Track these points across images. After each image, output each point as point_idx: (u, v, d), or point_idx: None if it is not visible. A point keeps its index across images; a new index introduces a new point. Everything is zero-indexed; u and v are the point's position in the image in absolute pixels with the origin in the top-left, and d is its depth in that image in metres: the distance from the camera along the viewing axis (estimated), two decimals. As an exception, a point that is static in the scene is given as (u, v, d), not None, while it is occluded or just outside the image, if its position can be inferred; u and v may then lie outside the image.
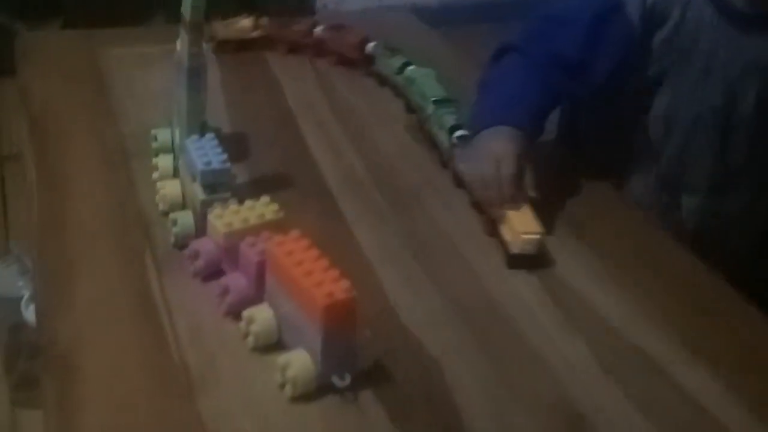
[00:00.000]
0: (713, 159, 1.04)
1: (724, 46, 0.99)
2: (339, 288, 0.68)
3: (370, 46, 1.24)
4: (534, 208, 0.90)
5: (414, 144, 1.09)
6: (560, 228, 0.93)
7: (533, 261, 0.87)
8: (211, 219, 0.80)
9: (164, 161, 0.96)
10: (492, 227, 0.90)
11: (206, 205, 0.84)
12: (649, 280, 0.88)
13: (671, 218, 1.06)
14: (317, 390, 0.70)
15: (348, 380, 0.70)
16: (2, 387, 1.55)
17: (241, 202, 0.82)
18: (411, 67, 1.16)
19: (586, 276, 0.87)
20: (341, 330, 0.69)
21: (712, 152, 1.04)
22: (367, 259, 0.87)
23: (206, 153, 0.86)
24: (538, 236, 0.87)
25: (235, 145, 0.98)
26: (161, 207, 0.92)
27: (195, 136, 0.88)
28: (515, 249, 0.86)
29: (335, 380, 0.70)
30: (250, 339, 0.75)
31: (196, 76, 0.87)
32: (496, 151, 0.91)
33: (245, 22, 1.30)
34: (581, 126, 1.15)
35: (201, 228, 0.85)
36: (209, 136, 0.89)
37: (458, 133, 1.00)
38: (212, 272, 0.82)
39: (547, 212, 0.92)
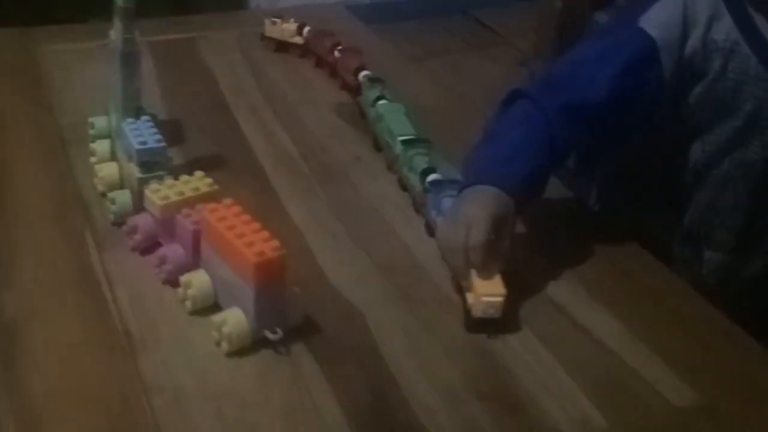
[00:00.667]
0: (742, 216, 0.99)
1: None
2: (269, 247, 0.73)
3: (361, 75, 1.18)
4: (503, 272, 0.81)
5: (343, 124, 1.15)
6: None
7: (494, 323, 0.80)
8: (148, 193, 0.85)
9: (101, 146, 1.00)
10: (456, 287, 0.84)
11: (143, 183, 0.88)
12: (563, 242, 0.94)
13: (690, 272, 1.00)
14: (252, 345, 0.76)
15: (280, 334, 0.75)
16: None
17: (176, 179, 0.87)
18: (381, 102, 1.08)
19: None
20: (272, 286, 0.74)
21: (741, 209, 0.98)
22: (297, 228, 0.93)
23: (142, 134, 0.90)
24: (501, 299, 0.79)
25: (170, 131, 1.02)
26: (100, 188, 0.96)
27: (131, 119, 0.93)
28: (477, 313, 0.79)
29: (268, 334, 0.75)
30: (188, 303, 0.80)
31: (130, 61, 0.91)
32: (469, 215, 0.81)
33: (290, 25, 1.33)
34: (599, 174, 1.09)
35: (138, 206, 0.89)
36: (144, 118, 0.93)
37: (431, 177, 0.93)
38: (150, 246, 0.87)
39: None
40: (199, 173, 0.87)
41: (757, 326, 0.83)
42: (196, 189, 0.85)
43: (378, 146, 1.07)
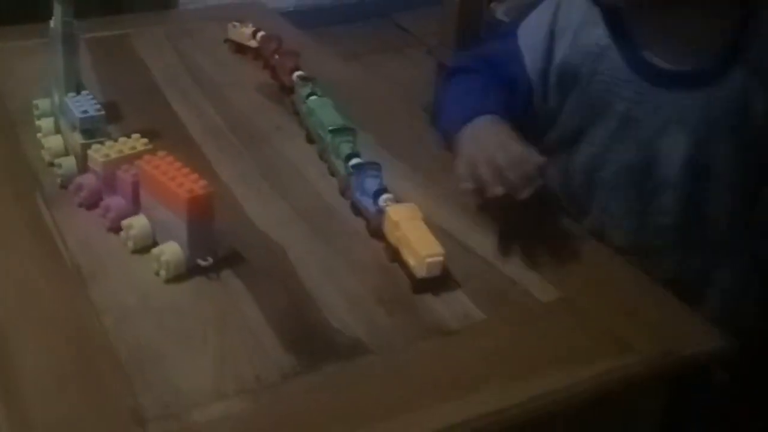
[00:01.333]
0: (637, 220, 1.02)
1: (641, 103, 0.98)
2: (198, 186, 0.87)
3: (295, 75, 1.25)
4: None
5: (265, 100, 1.28)
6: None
7: (437, 282, 0.87)
8: (91, 153, 0.97)
9: (46, 123, 1.12)
10: (394, 253, 0.91)
11: (86, 148, 1.00)
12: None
13: None
14: (187, 272, 0.88)
15: (211, 261, 0.88)
16: None
17: (115, 141, 0.99)
18: (312, 98, 1.16)
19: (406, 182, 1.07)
20: (202, 220, 0.87)
21: (635, 213, 1.01)
22: (226, 184, 1.05)
23: (83, 105, 1.02)
24: (441, 258, 0.86)
25: (107, 111, 1.14)
26: (47, 159, 1.07)
27: (72, 94, 1.05)
28: (421, 273, 0.86)
29: (200, 262, 0.88)
30: (130, 242, 0.92)
31: (69, 40, 1.03)
32: (490, 139, 0.90)
33: (247, 29, 1.42)
34: None
35: (82, 169, 1.01)
36: (84, 92, 1.05)
37: (353, 161, 1.01)
38: (95, 202, 0.99)
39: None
40: (135, 135, 1.00)
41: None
42: (134, 148, 0.98)
43: (311, 139, 1.16)
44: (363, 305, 0.86)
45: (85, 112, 1.01)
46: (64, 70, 1.05)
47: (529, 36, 1.05)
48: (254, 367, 0.77)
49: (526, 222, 0.98)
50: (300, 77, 1.24)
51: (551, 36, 1.03)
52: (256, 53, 1.41)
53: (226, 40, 1.47)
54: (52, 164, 1.06)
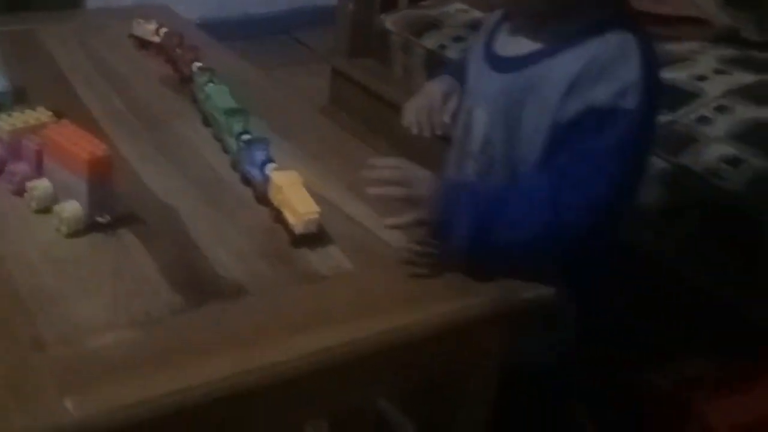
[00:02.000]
0: None
1: (485, 84, 1.11)
2: (98, 148, 0.96)
3: (194, 65, 1.34)
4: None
5: (167, 90, 1.38)
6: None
7: (314, 238, 0.99)
8: (-2, 123, 1.05)
9: (-45, 101, 1.19)
10: (277, 215, 1.01)
11: (-8, 120, 1.08)
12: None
13: None
14: (85, 228, 0.97)
15: (108, 219, 0.98)
16: None
17: (21, 113, 1.08)
18: (210, 84, 1.25)
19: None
20: (101, 179, 0.96)
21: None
22: (126, 159, 1.14)
23: (-10, 82, 1.11)
24: (317, 216, 0.98)
25: (14, 95, 1.22)
26: (-45, 133, 1.15)
27: (-19, 73, 1.13)
28: (299, 229, 0.97)
29: (99, 219, 0.97)
30: (33, 203, 1.00)
31: (-21, 22, 1.11)
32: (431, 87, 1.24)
33: (151, 26, 1.50)
34: None
35: (-11, 141, 1.09)
36: (-8, 72, 1.13)
37: (244, 137, 1.11)
38: (0, 169, 1.07)
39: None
40: (40, 108, 1.08)
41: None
42: (38, 119, 1.06)
43: (207, 123, 1.25)
44: (247, 258, 0.96)
45: (-8, 87, 1.09)
46: (-26, 49, 1.13)
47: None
48: (145, 305, 0.87)
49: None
50: (199, 68, 1.34)
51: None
52: (159, 48, 1.50)
53: (131, 36, 1.56)
54: (-41, 139, 1.13)
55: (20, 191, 1.02)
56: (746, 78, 1.65)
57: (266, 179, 1.04)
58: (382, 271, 0.96)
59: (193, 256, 0.96)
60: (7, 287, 0.88)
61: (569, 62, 1.00)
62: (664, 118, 1.55)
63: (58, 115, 1.08)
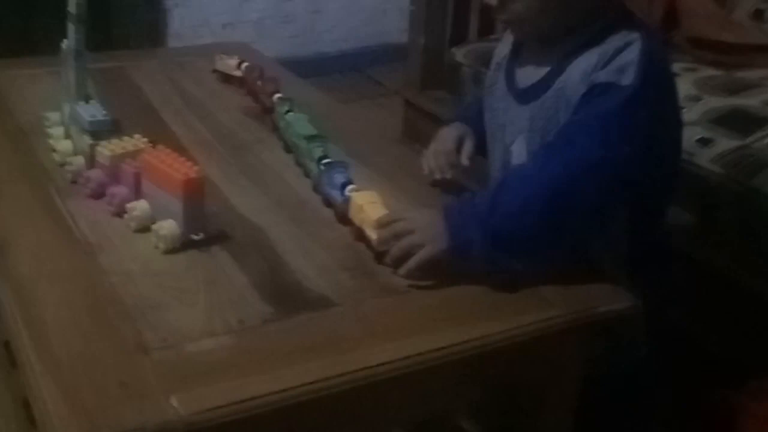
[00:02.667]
0: None
1: (516, 118, 1.16)
2: (192, 171, 1.03)
3: (275, 96, 1.42)
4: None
5: (248, 119, 1.45)
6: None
7: None
8: (99, 149, 1.14)
9: (56, 131, 1.28)
10: (358, 232, 1.07)
11: (94, 146, 1.16)
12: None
13: None
14: (181, 246, 1.04)
15: (202, 236, 1.04)
16: None
17: (120, 140, 1.16)
18: (290, 113, 1.33)
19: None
20: (195, 199, 1.04)
21: None
22: (214, 183, 1.22)
23: (91, 111, 1.19)
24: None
25: (112, 127, 1.31)
26: (58, 159, 1.24)
27: (82, 102, 1.21)
28: (381, 247, 1.03)
29: (193, 236, 1.04)
30: (133, 223, 1.08)
31: (80, 56, 1.20)
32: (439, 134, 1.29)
33: (233, 61, 1.60)
34: None
35: (90, 167, 1.17)
36: (92, 101, 1.22)
37: (324, 161, 1.18)
38: (101, 192, 1.14)
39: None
40: (137, 135, 1.16)
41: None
42: (135, 145, 1.14)
43: (288, 149, 1.32)
44: (330, 271, 1.02)
45: (93, 116, 1.18)
46: (76, 81, 1.22)
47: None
48: (238, 314, 0.93)
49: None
50: (279, 98, 1.42)
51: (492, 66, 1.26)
52: (241, 82, 1.59)
53: (214, 71, 1.64)
54: (62, 164, 1.22)
55: (120, 212, 1.10)
56: (818, 103, 1.66)
57: (346, 200, 1.10)
58: (462, 283, 1.01)
59: (281, 270, 1.02)
60: (113, 297, 0.95)
61: (583, 63, 1.06)
62: (735, 143, 1.58)
63: (153, 142, 1.16)
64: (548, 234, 1.01)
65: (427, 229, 1.02)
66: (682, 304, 1.25)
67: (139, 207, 1.08)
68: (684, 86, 1.75)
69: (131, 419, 0.77)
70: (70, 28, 1.19)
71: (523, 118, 1.14)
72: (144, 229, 1.07)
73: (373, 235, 1.04)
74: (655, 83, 1.05)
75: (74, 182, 1.19)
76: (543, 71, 1.11)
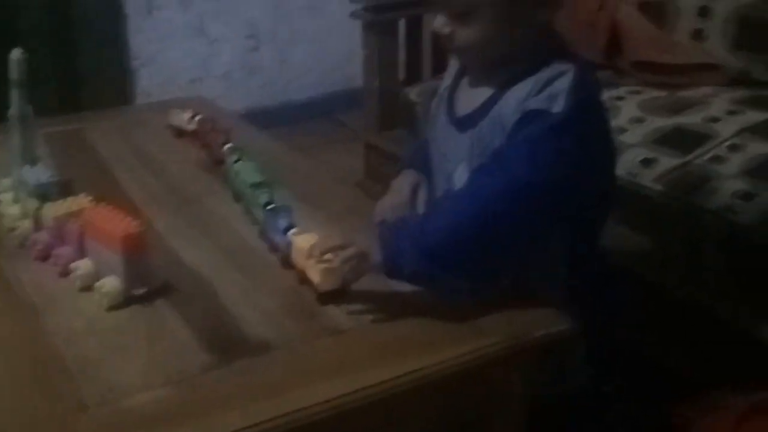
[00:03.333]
0: None
1: (455, 146, 1.18)
2: (131, 226, 1.05)
3: (226, 147, 1.43)
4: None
5: (201, 173, 1.47)
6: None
7: (338, 294, 1.06)
8: (44, 211, 1.15)
9: (6, 196, 1.30)
10: (302, 275, 1.09)
11: (39, 209, 1.18)
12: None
13: None
14: (125, 301, 1.05)
15: (144, 290, 1.06)
16: None
17: (64, 200, 1.18)
18: (239, 162, 1.34)
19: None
20: (136, 254, 1.05)
21: None
22: (161, 234, 1.23)
23: (37, 174, 1.21)
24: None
25: (59, 186, 1.32)
26: (7, 224, 1.25)
27: (28, 166, 1.23)
28: (323, 287, 1.06)
29: (135, 291, 1.06)
30: (78, 282, 1.09)
31: (25, 120, 1.22)
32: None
33: (186, 114, 1.61)
34: None
35: (36, 230, 1.19)
36: (40, 164, 1.24)
37: (269, 207, 1.18)
38: (47, 254, 1.16)
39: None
40: (82, 195, 1.18)
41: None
42: (79, 204, 1.16)
43: (237, 198, 1.34)
44: (273, 316, 1.03)
45: (38, 179, 1.20)
46: (22, 145, 1.24)
47: None
48: (179, 366, 0.94)
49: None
50: (229, 148, 1.44)
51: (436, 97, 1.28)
52: (194, 135, 1.61)
53: (168, 126, 1.67)
54: (12, 229, 1.24)
55: (66, 272, 1.11)
56: (758, 116, 1.68)
57: (289, 243, 1.12)
58: (401, 321, 1.02)
59: (224, 319, 1.03)
60: (55, 356, 0.96)
61: (518, 91, 1.09)
62: (676, 161, 1.60)
63: (99, 200, 1.18)
64: (480, 251, 1.03)
65: (360, 243, 1.06)
66: (632, 324, 1.26)
67: (83, 266, 1.09)
68: (629, 109, 1.79)
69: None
70: (14, 93, 1.22)
71: (463, 147, 1.16)
72: (89, 287, 1.08)
73: (315, 278, 1.06)
74: (585, 111, 1.08)
75: (22, 246, 1.20)
76: (481, 99, 1.14)
